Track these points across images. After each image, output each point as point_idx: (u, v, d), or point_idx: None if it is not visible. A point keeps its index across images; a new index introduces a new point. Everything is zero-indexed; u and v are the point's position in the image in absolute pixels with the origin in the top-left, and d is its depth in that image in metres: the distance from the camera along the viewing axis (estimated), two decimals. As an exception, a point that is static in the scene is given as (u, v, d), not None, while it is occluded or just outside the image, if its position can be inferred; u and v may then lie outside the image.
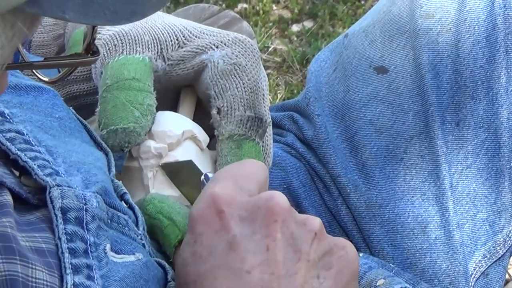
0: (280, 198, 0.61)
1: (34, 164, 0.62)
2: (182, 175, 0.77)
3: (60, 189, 0.60)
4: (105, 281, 0.58)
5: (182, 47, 0.80)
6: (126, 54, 0.78)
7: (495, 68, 0.92)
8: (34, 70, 0.58)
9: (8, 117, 0.66)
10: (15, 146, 0.63)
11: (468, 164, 0.93)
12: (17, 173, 0.62)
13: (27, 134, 0.65)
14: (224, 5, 2.31)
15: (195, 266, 0.60)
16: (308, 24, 2.29)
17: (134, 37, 0.79)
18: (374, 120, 0.96)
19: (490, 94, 0.92)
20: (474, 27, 0.94)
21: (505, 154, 0.92)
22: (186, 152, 0.79)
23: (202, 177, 0.72)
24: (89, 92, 0.85)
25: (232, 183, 0.63)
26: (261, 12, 2.29)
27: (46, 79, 0.54)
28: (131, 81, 0.77)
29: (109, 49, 0.78)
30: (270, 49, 2.21)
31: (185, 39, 0.80)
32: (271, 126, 0.81)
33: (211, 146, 0.83)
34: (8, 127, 0.65)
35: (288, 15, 2.31)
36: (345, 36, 1.04)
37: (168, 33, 0.80)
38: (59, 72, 0.59)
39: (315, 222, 0.62)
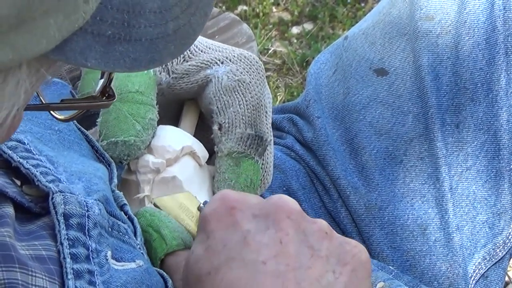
0: (290, 199, 0.62)
1: (37, 171, 0.62)
2: (178, 208, 0.77)
3: (63, 195, 0.61)
4: (107, 287, 0.58)
5: (187, 61, 0.80)
6: None
7: (495, 70, 0.92)
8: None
9: None
10: (17, 154, 0.64)
11: (468, 166, 0.93)
12: (19, 182, 0.63)
13: (28, 144, 0.66)
14: (224, 7, 2.31)
15: (208, 259, 0.60)
16: (308, 26, 2.28)
17: None
18: (374, 122, 0.96)
19: (490, 96, 0.92)
20: (474, 29, 0.93)
21: (505, 156, 0.92)
22: (184, 168, 0.79)
23: (201, 204, 0.72)
24: None
25: (241, 192, 0.64)
26: (261, 14, 2.29)
27: (61, 118, 0.55)
28: (135, 94, 0.77)
29: None
30: (270, 51, 2.21)
31: (190, 53, 0.81)
32: (272, 144, 0.81)
33: (212, 161, 0.83)
34: None
35: (288, 17, 2.31)
36: (345, 38, 1.04)
37: None
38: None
39: (324, 223, 0.62)
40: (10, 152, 0.63)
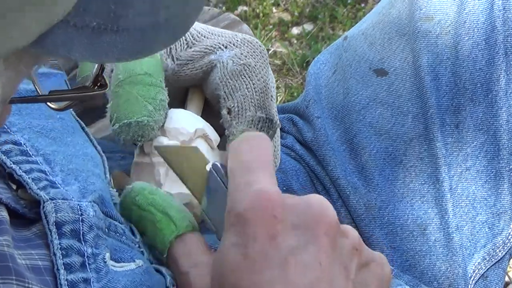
0: (329, 208, 0.58)
1: (29, 178, 0.61)
2: (185, 162, 0.73)
3: (54, 203, 0.59)
4: None
5: (190, 47, 0.80)
6: None
7: (494, 70, 0.92)
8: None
9: (6, 127, 0.65)
10: (11, 159, 0.62)
11: (468, 166, 0.93)
12: (14, 186, 0.62)
13: (24, 144, 0.65)
14: (224, 7, 2.31)
15: (248, 271, 0.56)
16: (308, 26, 2.29)
17: None
18: (374, 122, 0.96)
19: (489, 96, 0.92)
20: (474, 29, 0.94)
21: (504, 157, 0.92)
22: None
23: (210, 166, 0.66)
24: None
25: (268, 175, 0.59)
26: (261, 14, 2.30)
27: (56, 107, 0.54)
28: (143, 76, 0.77)
29: None
30: (270, 51, 2.21)
31: (193, 39, 0.80)
32: (279, 128, 0.81)
33: (220, 146, 0.83)
34: (5, 139, 0.64)
35: (288, 18, 2.31)
36: (345, 38, 1.04)
37: None
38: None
39: (355, 235, 0.60)
40: (4, 157, 0.62)
